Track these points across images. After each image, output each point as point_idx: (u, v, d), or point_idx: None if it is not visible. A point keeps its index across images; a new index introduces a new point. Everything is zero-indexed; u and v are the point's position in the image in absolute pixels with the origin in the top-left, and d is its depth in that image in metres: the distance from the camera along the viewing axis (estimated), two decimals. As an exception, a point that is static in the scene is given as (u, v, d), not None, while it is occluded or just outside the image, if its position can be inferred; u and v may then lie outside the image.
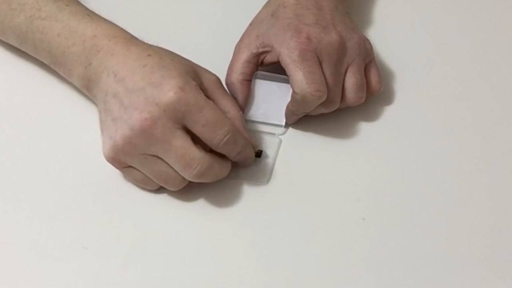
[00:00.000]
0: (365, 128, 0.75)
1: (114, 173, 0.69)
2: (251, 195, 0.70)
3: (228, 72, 0.75)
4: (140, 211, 0.69)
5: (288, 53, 0.71)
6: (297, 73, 0.70)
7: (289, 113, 0.73)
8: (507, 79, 0.80)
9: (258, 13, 0.76)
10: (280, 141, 0.73)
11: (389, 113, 0.77)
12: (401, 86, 0.79)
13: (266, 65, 0.75)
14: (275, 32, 0.73)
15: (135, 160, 0.67)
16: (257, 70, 0.75)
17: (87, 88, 0.70)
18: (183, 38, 0.81)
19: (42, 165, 0.71)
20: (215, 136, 0.66)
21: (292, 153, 0.73)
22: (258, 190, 0.70)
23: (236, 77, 0.74)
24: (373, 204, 0.70)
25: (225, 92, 0.70)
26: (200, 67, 0.69)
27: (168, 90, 0.64)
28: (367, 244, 0.68)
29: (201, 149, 0.66)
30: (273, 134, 0.74)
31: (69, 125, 0.71)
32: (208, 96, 0.67)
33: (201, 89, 0.66)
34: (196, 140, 0.66)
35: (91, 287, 0.65)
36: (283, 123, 0.74)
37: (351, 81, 0.73)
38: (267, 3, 0.76)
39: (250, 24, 0.76)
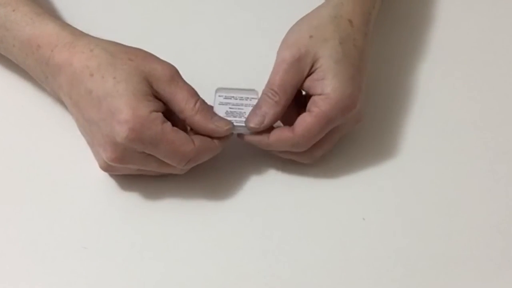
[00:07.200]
0: (365, 128, 0.75)
1: (114, 173, 0.69)
2: (250, 196, 0.70)
3: None
4: (140, 211, 0.69)
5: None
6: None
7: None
8: (508, 79, 0.81)
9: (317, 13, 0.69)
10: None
11: (389, 113, 0.77)
12: (401, 86, 0.79)
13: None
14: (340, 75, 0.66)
15: (130, 171, 0.68)
16: None
17: (58, 99, 0.70)
18: (183, 38, 0.81)
19: (42, 164, 0.71)
20: (177, 164, 0.65)
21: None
22: (257, 190, 0.70)
23: None
24: (373, 204, 0.70)
25: (177, 86, 0.66)
26: (149, 63, 0.66)
27: (120, 132, 0.63)
28: (367, 244, 0.68)
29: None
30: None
31: (69, 124, 0.71)
32: (162, 97, 0.65)
33: (154, 96, 0.64)
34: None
35: (91, 287, 0.65)
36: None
37: (325, 144, 0.69)
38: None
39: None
